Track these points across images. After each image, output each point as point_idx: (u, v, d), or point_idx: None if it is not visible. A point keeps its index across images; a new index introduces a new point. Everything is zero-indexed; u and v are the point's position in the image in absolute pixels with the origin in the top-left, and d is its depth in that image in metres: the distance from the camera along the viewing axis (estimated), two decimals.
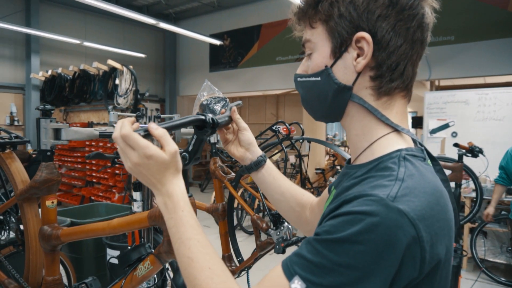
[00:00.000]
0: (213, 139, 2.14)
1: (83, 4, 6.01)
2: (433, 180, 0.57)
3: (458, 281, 2.78)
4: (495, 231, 4.15)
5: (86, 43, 7.51)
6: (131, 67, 5.95)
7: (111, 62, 5.98)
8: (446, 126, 4.86)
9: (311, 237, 0.52)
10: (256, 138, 1.91)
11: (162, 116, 2.19)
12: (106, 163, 5.33)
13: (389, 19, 0.59)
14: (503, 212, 3.99)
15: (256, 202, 5.04)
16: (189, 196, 0.96)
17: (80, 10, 8.24)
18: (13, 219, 1.68)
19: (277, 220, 1.70)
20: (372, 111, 0.62)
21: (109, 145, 5.91)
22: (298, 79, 0.70)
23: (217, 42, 7.96)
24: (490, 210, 3.39)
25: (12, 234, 1.73)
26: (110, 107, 5.95)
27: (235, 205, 3.93)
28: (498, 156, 3.42)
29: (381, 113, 0.62)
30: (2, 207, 1.51)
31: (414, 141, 0.66)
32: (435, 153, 4.67)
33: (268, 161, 0.94)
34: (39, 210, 1.41)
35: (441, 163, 2.29)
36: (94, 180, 6.29)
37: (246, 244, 3.93)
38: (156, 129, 0.64)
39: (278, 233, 1.67)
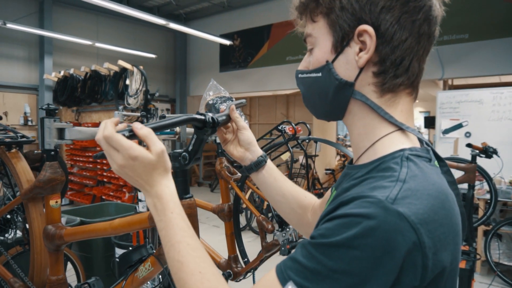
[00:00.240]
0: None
1: (95, 6, 6.08)
2: (439, 182, 0.53)
3: (471, 285, 2.71)
4: (511, 234, 4.04)
5: (98, 44, 7.60)
6: (141, 67, 5.99)
7: (121, 63, 6.03)
8: (459, 126, 4.75)
9: (306, 241, 0.50)
10: (261, 138, 1.89)
11: (168, 115, 2.18)
12: None
13: (394, 11, 0.55)
14: None
15: (266, 203, 5.01)
16: (190, 197, 0.94)
17: (92, 12, 8.34)
18: (20, 218, 1.69)
19: (283, 221, 1.67)
20: (375, 108, 0.59)
21: None
22: (299, 75, 0.67)
23: (227, 42, 7.96)
24: None
25: (19, 233, 1.75)
26: (120, 107, 6.01)
27: (244, 205, 3.91)
28: None
29: (385, 111, 0.59)
30: (7, 206, 1.52)
31: (421, 141, 0.62)
32: (448, 153, 4.58)
33: (268, 161, 0.91)
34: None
35: (454, 164, 2.22)
36: (105, 180, 6.35)
37: (255, 245, 3.91)
38: (141, 129, 0.62)
39: (283, 234, 1.64)
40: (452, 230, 0.51)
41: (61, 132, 1.37)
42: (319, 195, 1.63)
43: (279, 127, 1.68)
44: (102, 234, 1.20)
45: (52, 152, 1.34)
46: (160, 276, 1.69)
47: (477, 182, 3.27)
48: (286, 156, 6.01)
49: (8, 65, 7.50)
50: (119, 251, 2.69)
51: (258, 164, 0.89)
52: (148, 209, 1.78)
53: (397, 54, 0.57)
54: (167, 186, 0.62)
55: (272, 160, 2.23)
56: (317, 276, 0.46)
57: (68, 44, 7.93)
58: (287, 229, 1.64)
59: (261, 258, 1.79)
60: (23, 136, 1.54)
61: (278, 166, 7.21)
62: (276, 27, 8.18)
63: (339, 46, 0.59)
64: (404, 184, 0.49)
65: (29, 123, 7.65)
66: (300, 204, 0.88)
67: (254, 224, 5.42)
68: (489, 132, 4.50)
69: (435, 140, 4.97)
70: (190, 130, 2.07)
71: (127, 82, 6.03)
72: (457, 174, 3.05)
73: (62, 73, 7.08)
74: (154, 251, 1.11)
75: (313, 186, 5.92)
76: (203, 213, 2.17)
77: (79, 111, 7.28)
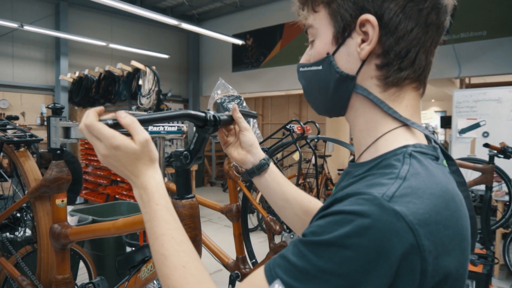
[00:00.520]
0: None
1: (109, 7, 6.16)
2: (444, 181, 0.49)
3: None
4: None
5: (112, 45, 7.70)
6: (154, 67, 6.03)
7: (134, 63, 6.09)
8: (476, 125, 4.62)
9: (297, 238, 0.47)
10: (269, 137, 1.86)
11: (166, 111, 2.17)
12: None
13: None
14: None
15: None
16: (192, 197, 0.92)
17: (107, 13, 8.45)
18: (29, 216, 1.71)
19: None
20: (377, 103, 0.55)
21: None
22: (300, 68, 0.64)
23: (239, 42, 7.95)
24: None
25: (28, 232, 1.76)
26: (133, 107, 6.06)
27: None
28: None
29: (388, 106, 0.55)
30: (15, 205, 1.53)
31: (428, 138, 0.58)
32: (465, 154, 4.46)
33: (271, 165, 0.86)
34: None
35: (471, 164, 2.14)
36: (119, 179, 6.42)
37: (266, 246, 3.89)
38: (124, 117, 0.59)
39: (291, 236, 1.61)
40: (458, 233, 0.47)
41: (67, 131, 1.36)
42: None
43: (288, 126, 1.65)
44: (106, 234, 1.19)
45: (58, 151, 1.34)
46: None
47: (495, 184, 3.17)
48: (297, 156, 5.97)
49: (25, 66, 7.67)
50: (130, 250, 2.71)
51: (260, 168, 0.84)
52: None
53: (402, 45, 0.53)
54: (153, 177, 0.60)
55: (281, 159, 2.19)
56: (306, 275, 0.43)
57: (83, 45, 8.06)
58: None
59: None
60: (31, 135, 1.55)
61: (290, 166, 7.16)
62: (289, 26, 8.13)
63: (340, 37, 0.56)
64: (404, 181, 0.46)
65: (45, 123, 7.80)
66: (305, 209, 0.83)
67: None
68: (507, 132, 4.36)
69: (451, 140, 4.85)
70: None
71: (140, 82, 6.08)
72: (474, 175, 2.96)
73: (77, 74, 7.20)
74: None
75: (326, 186, 5.85)
76: (215, 212, 2.15)
77: None
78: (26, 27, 6.48)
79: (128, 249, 2.74)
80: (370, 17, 0.52)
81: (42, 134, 4.12)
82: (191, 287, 0.53)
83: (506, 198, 3.69)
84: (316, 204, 0.84)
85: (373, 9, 0.52)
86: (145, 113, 0.78)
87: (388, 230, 0.41)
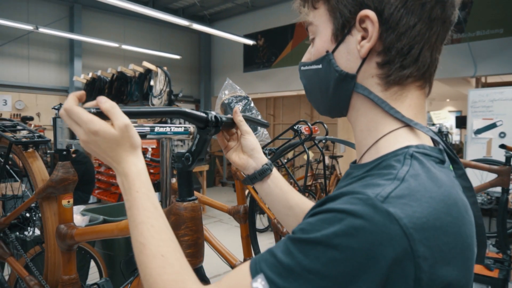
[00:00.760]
0: None
1: (122, 9, 6.23)
2: (447, 185, 0.46)
3: None
4: None
5: (125, 46, 7.78)
6: (165, 68, 6.07)
7: (146, 64, 6.14)
8: (493, 126, 4.50)
9: (287, 235, 0.45)
10: (277, 138, 1.84)
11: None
12: None
13: None
14: None
15: None
16: (194, 200, 0.90)
17: (120, 15, 8.55)
18: (38, 216, 1.72)
19: None
20: (378, 103, 0.53)
21: None
22: (301, 67, 0.62)
23: (250, 42, 7.95)
24: None
25: (37, 232, 1.78)
26: None
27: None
28: None
29: (390, 106, 0.52)
30: (23, 205, 1.55)
31: (435, 139, 0.55)
32: (480, 155, 4.35)
33: (274, 170, 0.83)
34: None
35: (486, 166, 2.06)
36: None
37: None
38: (104, 102, 0.57)
39: None
40: (460, 241, 0.44)
41: (73, 132, 1.36)
42: None
43: (295, 127, 1.63)
44: (110, 235, 1.19)
45: (64, 152, 1.35)
46: None
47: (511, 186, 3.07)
48: (310, 156, 5.92)
49: (40, 68, 7.82)
50: None
51: (263, 173, 0.81)
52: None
53: (404, 42, 0.50)
54: (134, 164, 0.58)
55: (292, 159, 2.17)
56: (291, 273, 0.41)
57: (96, 46, 8.17)
58: None
59: None
60: (40, 136, 1.56)
61: (301, 166, 7.12)
62: (300, 26, 8.08)
63: (340, 35, 0.54)
64: (402, 182, 0.43)
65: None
66: None
67: None
68: None
69: (466, 141, 4.74)
70: None
71: (152, 83, 6.12)
72: (489, 177, 2.88)
73: (90, 75, 7.30)
74: None
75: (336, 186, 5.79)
76: (225, 213, 2.14)
77: None
78: (41, 29, 6.60)
79: None
80: (370, 13, 0.50)
81: None
82: (169, 277, 0.51)
83: None
84: None
85: (372, 4, 0.50)
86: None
87: (380, 233, 0.39)
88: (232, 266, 1.96)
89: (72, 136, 1.51)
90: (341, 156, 6.16)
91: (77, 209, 3.18)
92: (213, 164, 8.90)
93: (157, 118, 4.91)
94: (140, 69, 6.31)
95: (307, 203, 0.81)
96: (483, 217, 3.99)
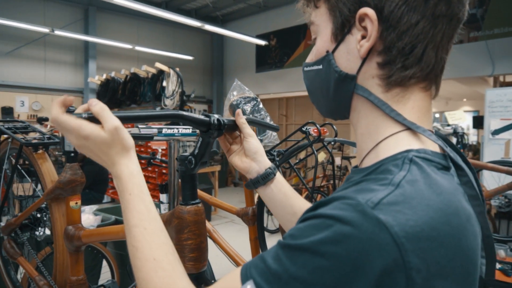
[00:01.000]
0: None
1: (136, 11, 6.30)
2: (448, 192, 0.43)
3: None
4: None
5: (138, 48, 7.87)
6: (177, 69, 6.11)
7: (158, 65, 6.19)
8: (511, 126, 4.37)
9: (278, 240, 0.44)
10: (285, 139, 1.81)
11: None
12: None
13: None
14: None
15: None
16: (197, 203, 0.89)
17: (133, 17, 8.65)
18: (48, 216, 1.74)
19: None
20: (379, 105, 0.50)
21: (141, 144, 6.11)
22: (304, 68, 0.60)
23: (262, 42, 7.94)
24: None
25: (48, 232, 1.80)
26: (157, 108, 6.16)
27: None
28: None
29: (391, 108, 0.50)
30: (33, 206, 1.57)
31: (446, 144, 0.52)
32: (498, 156, 4.23)
33: (278, 174, 0.81)
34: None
35: (504, 168, 1.98)
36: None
37: None
38: (95, 105, 0.57)
39: None
40: (460, 254, 0.41)
41: None
42: None
43: (304, 129, 1.60)
44: (116, 237, 1.19)
45: (72, 154, 1.35)
46: None
47: None
48: (322, 157, 5.87)
49: (56, 69, 7.97)
50: None
51: (266, 177, 0.79)
52: (166, 211, 1.76)
53: (406, 40, 0.47)
54: (126, 166, 0.58)
55: (304, 159, 2.15)
56: (278, 280, 0.40)
57: (110, 48, 8.29)
58: None
59: None
60: (49, 138, 1.58)
61: (313, 167, 7.06)
62: None
63: (340, 34, 0.52)
64: (396, 188, 0.41)
65: None
66: None
67: None
68: None
69: (483, 142, 4.62)
70: None
71: (164, 84, 6.18)
72: (507, 179, 2.79)
73: (104, 76, 7.40)
74: None
75: None
76: None
77: None
78: (57, 32, 6.73)
79: None
80: (368, 11, 0.47)
81: None
82: (161, 280, 0.50)
83: None
84: None
85: (372, 2, 0.47)
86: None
87: (368, 241, 0.37)
88: None
89: None
90: (354, 157, 6.09)
91: (90, 209, 3.22)
92: (225, 164, 8.91)
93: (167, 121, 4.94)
94: (153, 70, 6.38)
95: None
96: (501, 220, 3.88)
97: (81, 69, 8.27)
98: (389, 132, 0.50)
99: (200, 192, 2.16)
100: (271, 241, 2.13)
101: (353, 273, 0.37)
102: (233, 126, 0.84)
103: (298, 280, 0.38)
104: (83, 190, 1.42)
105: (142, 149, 6.24)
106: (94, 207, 3.41)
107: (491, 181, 3.23)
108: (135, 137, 1.40)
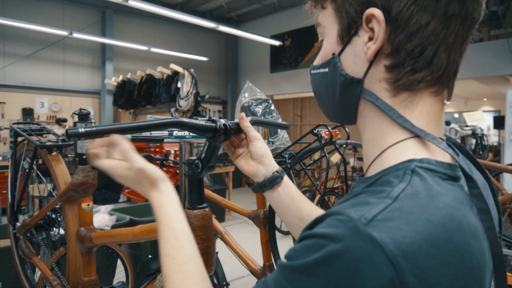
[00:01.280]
0: None
1: (151, 13, 6.38)
2: (452, 206, 0.40)
3: None
4: None
5: (153, 49, 7.97)
6: (192, 70, 6.15)
7: (173, 66, 6.24)
8: None
9: (279, 261, 0.43)
10: (297, 141, 1.79)
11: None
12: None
13: None
14: None
15: None
16: (204, 208, 0.88)
17: (149, 19, 8.76)
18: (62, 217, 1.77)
19: None
20: (385, 110, 0.48)
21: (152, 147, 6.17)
22: (311, 71, 0.58)
23: (276, 43, 7.92)
24: None
25: (62, 232, 1.83)
26: (172, 109, 6.22)
27: None
28: None
29: (398, 114, 0.47)
30: (47, 207, 1.59)
31: (458, 152, 0.50)
32: None
33: (285, 178, 0.79)
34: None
35: None
36: None
37: None
38: (121, 144, 0.63)
39: None
40: (464, 273, 0.38)
41: None
42: None
43: (315, 131, 1.58)
44: (125, 240, 1.20)
45: (84, 156, 1.37)
46: None
47: None
48: (336, 159, 5.80)
49: (74, 71, 8.15)
50: None
51: (273, 181, 0.77)
52: None
53: (415, 42, 0.45)
54: (156, 198, 0.61)
55: (318, 160, 2.11)
56: None
57: (126, 50, 8.42)
58: None
59: None
60: (63, 140, 1.60)
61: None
62: None
63: (346, 36, 0.50)
64: (393, 202, 0.38)
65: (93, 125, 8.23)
66: None
67: None
68: None
69: (504, 143, 4.48)
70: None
71: (179, 85, 6.22)
72: None
73: (120, 77, 7.51)
74: None
75: None
76: None
77: (136, 113, 7.67)
78: (75, 35, 6.87)
79: None
80: (375, 11, 0.45)
81: None
82: None
83: None
84: None
85: (380, 2, 0.45)
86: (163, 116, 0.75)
87: (361, 260, 0.35)
88: (252, 271, 1.93)
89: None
90: None
91: (105, 208, 3.27)
92: None
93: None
94: (168, 71, 6.44)
95: (320, 213, 0.77)
96: None
97: (98, 71, 8.42)
98: (396, 139, 0.48)
99: (211, 194, 2.15)
100: (284, 243, 2.11)
101: None
102: (239, 129, 0.83)
103: None
104: (99, 189, 1.44)
105: (157, 150, 6.31)
106: (110, 207, 3.45)
107: None
108: (146, 139, 1.40)
